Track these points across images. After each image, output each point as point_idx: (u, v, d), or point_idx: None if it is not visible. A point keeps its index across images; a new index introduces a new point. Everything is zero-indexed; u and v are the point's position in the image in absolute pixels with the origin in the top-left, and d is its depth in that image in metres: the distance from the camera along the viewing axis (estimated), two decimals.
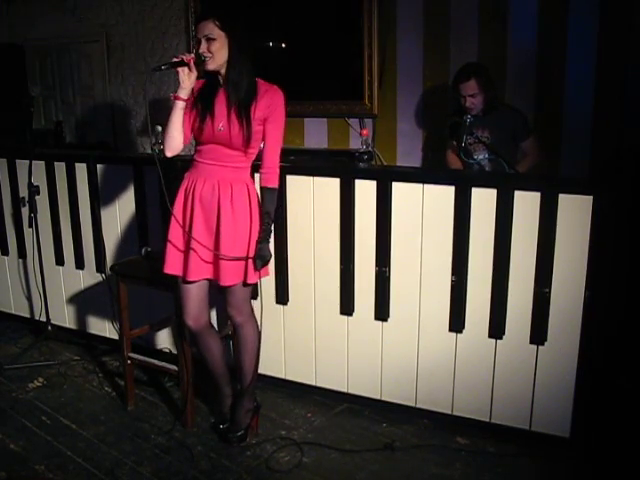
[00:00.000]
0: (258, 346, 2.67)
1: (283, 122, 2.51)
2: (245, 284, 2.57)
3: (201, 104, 2.51)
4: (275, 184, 2.52)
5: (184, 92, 2.47)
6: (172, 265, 2.57)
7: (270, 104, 2.45)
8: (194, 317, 2.60)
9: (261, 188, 2.52)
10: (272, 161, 2.50)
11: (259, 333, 2.69)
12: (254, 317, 2.68)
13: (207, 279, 2.58)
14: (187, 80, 2.45)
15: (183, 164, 2.72)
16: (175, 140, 2.52)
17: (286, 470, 2.53)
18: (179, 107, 2.48)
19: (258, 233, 2.52)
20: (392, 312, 2.84)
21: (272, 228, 2.56)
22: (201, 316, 2.62)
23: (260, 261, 2.52)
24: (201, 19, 2.43)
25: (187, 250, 2.54)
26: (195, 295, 2.58)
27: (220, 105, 2.46)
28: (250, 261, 2.52)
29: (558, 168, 3.66)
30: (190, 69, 2.44)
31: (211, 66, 2.43)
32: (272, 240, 2.93)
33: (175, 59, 2.43)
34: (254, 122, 2.44)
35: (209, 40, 2.39)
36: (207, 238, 2.51)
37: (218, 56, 2.40)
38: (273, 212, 2.54)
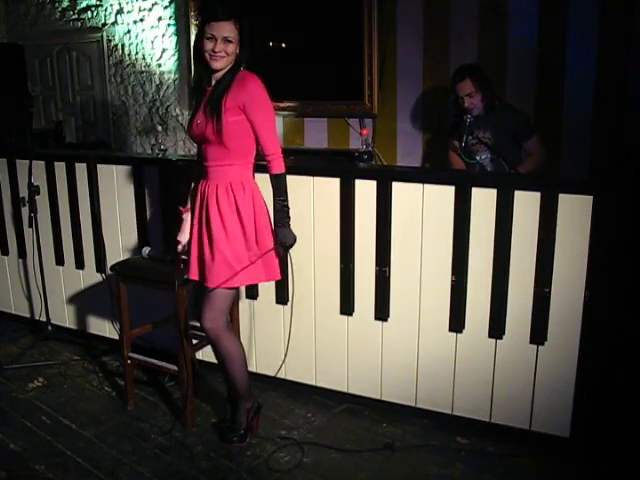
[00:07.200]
0: (243, 354, 2.61)
1: (267, 106, 2.41)
2: (229, 288, 2.50)
3: (194, 106, 2.52)
4: (279, 170, 2.44)
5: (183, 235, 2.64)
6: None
7: (242, 90, 2.37)
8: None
9: (269, 176, 2.47)
10: (270, 147, 2.42)
11: (241, 344, 2.64)
12: (230, 329, 2.63)
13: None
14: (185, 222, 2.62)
15: (184, 164, 2.73)
16: None
17: (286, 470, 2.53)
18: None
19: (273, 220, 2.49)
20: (392, 312, 2.84)
21: (288, 212, 2.47)
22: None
23: (281, 247, 2.50)
24: (219, 19, 2.33)
25: (190, 249, 2.57)
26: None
27: (204, 103, 2.44)
28: (244, 264, 2.45)
29: (558, 168, 3.66)
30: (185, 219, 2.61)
31: (220, 65, 2.39)
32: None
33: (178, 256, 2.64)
34: (227, 112, 2.36)
35: (227, 42, 2.34)
36: (207, 239, 2.51)
37: (232, 58, 2.39)
38: (285, 196, 2.45)
